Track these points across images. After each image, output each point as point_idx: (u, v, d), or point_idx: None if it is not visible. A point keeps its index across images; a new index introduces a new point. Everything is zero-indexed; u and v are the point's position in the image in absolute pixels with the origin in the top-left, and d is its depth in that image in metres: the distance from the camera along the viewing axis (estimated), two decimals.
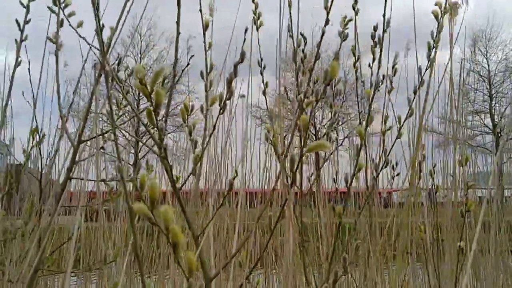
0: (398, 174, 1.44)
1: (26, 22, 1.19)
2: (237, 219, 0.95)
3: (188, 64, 1.21)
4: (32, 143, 1.25)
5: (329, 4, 0.74)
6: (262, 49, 1.48)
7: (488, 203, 2.24)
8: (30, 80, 1.39)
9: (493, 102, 21.05)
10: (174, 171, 0.61)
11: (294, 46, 1.18)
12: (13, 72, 1.20)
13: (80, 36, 0.95)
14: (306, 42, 1.36)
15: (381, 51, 1.12)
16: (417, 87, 1.03)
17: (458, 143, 1.45)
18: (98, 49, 0.82)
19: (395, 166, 1.54)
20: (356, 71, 1.63)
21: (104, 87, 0.63)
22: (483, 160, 3.05)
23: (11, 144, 2.07)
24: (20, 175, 1.54)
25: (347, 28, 1.15)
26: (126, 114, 1.32)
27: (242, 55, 0.64)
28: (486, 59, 21.52)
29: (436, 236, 1.52)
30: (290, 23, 1.26)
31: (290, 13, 1.23)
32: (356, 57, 1.53)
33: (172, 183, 0.58)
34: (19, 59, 1.21)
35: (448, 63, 1.29)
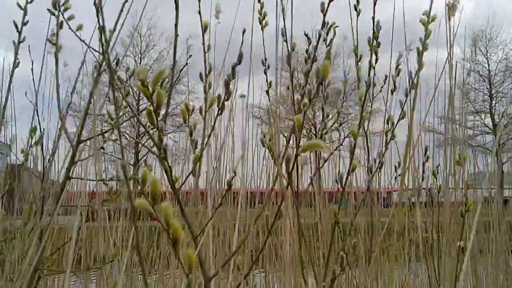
0: (400, 175, 1.44)
1: (24, 24, 1.20)
2: (237, 219, 0.95)
3: (186, 64, 1.21)
4: (31, 142, 1.25)
5: (325, 7, 0.74)
6: (262, 49, 1.48)
7: (488, 203, 2.24)
8: (33, 80, 1.39)
9: (493, 102, 21.05)
10: (173, 172, 0.61)
11: (288, 50, 1.19)
12: (12, 74, 1.20)
13: (80, 39, 0.95)
14: (310, 42, 1.36)
15: (372, 53, 1.13)
16: (408, 90, 1.04)
17: (457, 143, 1.46)
18: (98, 52, 0.82)
19: (397, 167, 1.55)
20: (357, 71, 1.63)
21: (104, 87, 0.63)
22: (483, 160, 3.05)
23: (13, 144, 2.07)
24: (19, 174, 1.55)
25: (334, 34, 1.15)
26: (126, 114, 1.33)
27: (240, 56, 0.65)
28: (486, 59, 21.53)
29: (437, 236, 1.52)
30: (284, 27, 1.27)
31: (284, 18, 1.24)
32: (358, 57, 1.53)
33: (171, 183, 0.58)
34: (17, 61, 1.22)
35: (445, 63, 1.29)
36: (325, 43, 1.05)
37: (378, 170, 0.89)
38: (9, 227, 1.18)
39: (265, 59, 1.51)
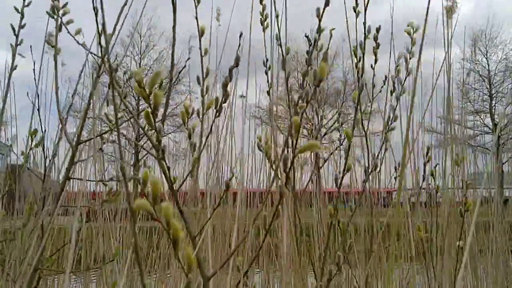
0: (399, 175, 1.45)
1: (22, 27, 1.20)
2: (236, 219, 0.95)
3: (185, 66, 1.22)
4: (31, 144, 1.26)
5: (321, 12, 0.75)
6: (262, 50, 1.49)
7: (488, 203, 2.24)
8: (35, 80, 1.40)
9: (493, 102, 21.05)
10: (173, 172, 0.62)
11: (282, 54, 1.19)
12: (9, 77, 1.21)
13: (78, 43, 0.96)
14: (311, 44, 1.36)
15: (363, 57, 1.14)
16: (399, 94, 1.05)
17: (455, 143, 1.46)
18: (98, 56, 0.83)
19: (397, 168, 1.55)
20: (357, 72, 1.63)
21: (103, 88, 0.64)
22: (483, 160, 3.05)
23: (13, 144, 2.08)
24: (19, 175, 1.55)
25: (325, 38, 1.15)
26: (125, 115, 1.33)
27: (237, 59, 0.65)
28: (486, 59, 21.53)
29: (435, 236, 1.53)
30: (278, 32, 1.27)
31: (277, 23, 1.24)
32: (358, 58, 1.53)
33: (169, 184, 0.58)
34: (15, 64, 1.23)
35: (441, 64, 1.30)
36: (317, 49, 1.06)
37: (373, 171, 0.90)
38: (10, 228, 1.19)
39: (266, 60, 1.51)
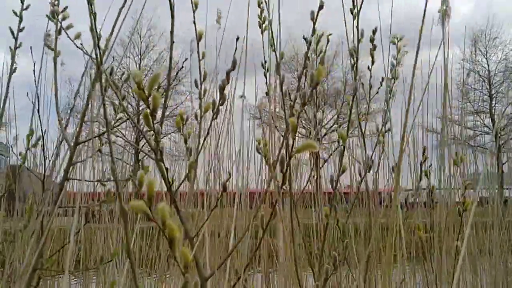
0: (395, 177, 1.45)
1: (20, 30, 1.21)
2: (233, 220, 0.96)
3: (182, 67, 1.22)
4: (29, 146, 1.26)
5: (315, 15, 0.75)
6: (260, 50, 1.49)
7: (487, 203, 2.24)
8: (35, 81, 1.40)
9: (493, 102, 21.04)
10: (173, 172, 0.62)
11: (276, 59, 1.19)
12: (9, 79, 1.21)
13: (78, 46, 0.96)
14: (311, 45, 1.37)
15: (357, 60, 1.15)
16: (389, 97, 1.07)
17: (454, 143, 1.46)
18: (96, 59, 0.83)
19: (394, 168, 1.56)
20: (355, 73, 1.64)
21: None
22: (483, 160, 3.05)
23: (14, 145, 2.08)
24: (19, 175, 1.56)
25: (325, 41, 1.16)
26: (124, 116, 1.34)
27: (234, 62, 0.65)
28: (486, 59, 21.53)
29: (432, 236, 1.53)
30: (272, 37, 1.27)
31: (270, 29, 1.24)
32: (355, 59, 1.54)
33: (167, 185, 0.59)
34: (15, 66, 1.23)
35: (438, 63, 1.30)
36: (316, 54, 1.07)
37: (368, 172, 0.90)
38: (10, 229, 1.19)
39: (265, 62, 1.51)
